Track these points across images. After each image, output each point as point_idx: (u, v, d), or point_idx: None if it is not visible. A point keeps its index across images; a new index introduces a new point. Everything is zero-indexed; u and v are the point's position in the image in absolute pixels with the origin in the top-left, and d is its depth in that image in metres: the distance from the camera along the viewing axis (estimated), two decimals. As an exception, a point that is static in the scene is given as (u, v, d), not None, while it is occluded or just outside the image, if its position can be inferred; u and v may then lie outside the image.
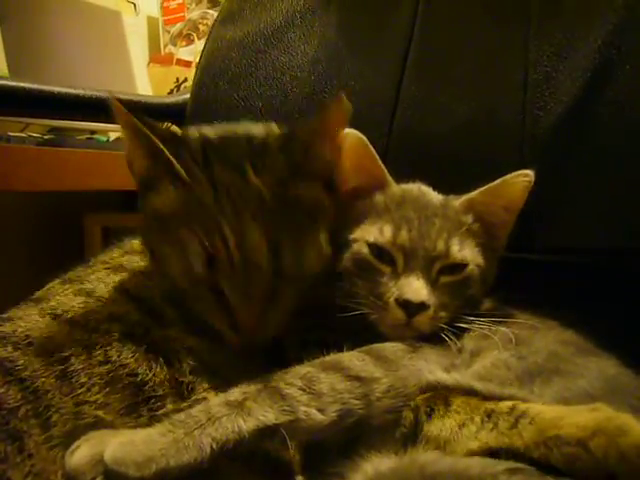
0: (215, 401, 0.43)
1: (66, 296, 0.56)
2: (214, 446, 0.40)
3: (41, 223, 1.61)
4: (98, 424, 0.46)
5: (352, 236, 0.57)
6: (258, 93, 0.93)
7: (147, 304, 0.54)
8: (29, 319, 0.53)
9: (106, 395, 0.47)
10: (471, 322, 0.53)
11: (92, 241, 1.62)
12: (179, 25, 1.84)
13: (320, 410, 0.43)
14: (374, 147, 0.61)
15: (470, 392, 0.44)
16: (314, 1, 0.94)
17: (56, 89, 0.97)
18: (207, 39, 1.03)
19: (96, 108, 0.95)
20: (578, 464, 0.37)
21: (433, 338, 0.52)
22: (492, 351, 0.48)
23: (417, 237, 0.54)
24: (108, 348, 0.49)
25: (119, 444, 0.41)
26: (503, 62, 0.77)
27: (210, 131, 0.59)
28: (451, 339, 0.51)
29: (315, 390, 0.44)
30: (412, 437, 0.44)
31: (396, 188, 0.60)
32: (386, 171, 0.60)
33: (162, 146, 0.51)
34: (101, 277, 0.59)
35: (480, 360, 0.48)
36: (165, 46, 1.87)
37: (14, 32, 1.49)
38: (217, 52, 0.98)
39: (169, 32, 1.86)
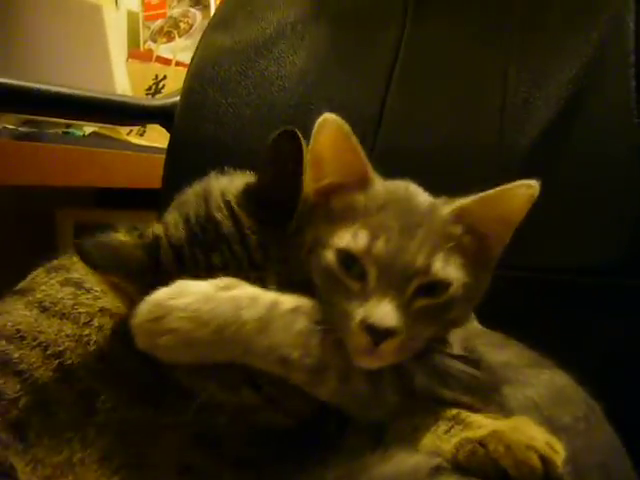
0: None
1: (52, 287, 0.56)
2: None
3: (12, 218, 1.61)
4: (104, 413, 0.49)
5: (320, 238, 0.50)
6: (246, 101, 0.97)
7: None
8: (16, 313, 0.54)
9: (107, 388, 0.50)
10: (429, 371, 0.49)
11: (64, 237, 1.62)
12: (160, 21, 1.86)
13: None
14: None
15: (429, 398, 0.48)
16: (305, 14, 0.99)
17: (34, 85, 0.95)
18: (198, 45, 1.06)
19: (75, 106, 0.97)
20: (475, 459, 0.42)
21: None
22: None
23: (395, 249, 0.47)
24: (102, 344, 0.51)
25: None
26: (483, 86, 0.82)
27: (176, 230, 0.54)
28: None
29: None
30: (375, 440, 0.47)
31: (380, 187, 0.52)
32: (370, 166, 0.53)
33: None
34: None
35: None
36: (145, 42, 1.88)
37: (-9, 23, 1.49)
38: (207, 58, 1.02)
39: (149, 28, 1.87)
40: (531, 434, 0.42)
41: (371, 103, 0.89)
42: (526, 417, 0.45)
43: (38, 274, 0.60)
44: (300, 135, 0.50)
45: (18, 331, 0.53)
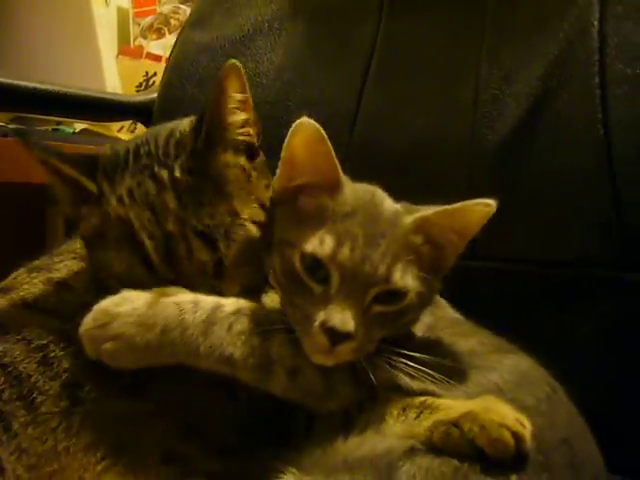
0: None
1: (35, 285, 0.58)
2: None
3: (1, 215, 1.62)
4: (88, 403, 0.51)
5: (286, 238, 0.53)
6: (224, 97, 0.97)
7: None
8: (1, 308, 0.56)
9: (90, 379, 0.52)
10: (394, 364, 0.51)
11: (54, 234, 1.63)
12: (150, 18, 1.86)
13: None
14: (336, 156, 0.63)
15: (394, 389, 0.50)
16: (282, 11, 0.99)
17: (22, 83, 0.98)
18: (176, 40, 1.07)
19: (53, 103, 0.98)
20: (450, 440, 0.44)
21: None
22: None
23: (359, 258, 0.49)
24: None
25: None
26: (457, 82, 0.83)
27: (126, 144, 0.60)
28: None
29: None
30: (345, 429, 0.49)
31: (348, 193, 0.54)
32: (341, 172, 0.54)
33: (74, 172, 0.54)
34: (69, 265, 0.61)
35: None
36: (135, 39, 1.88)
37: (-22, 18, 1.50)
38: (186, 54, 1.02)
39: (139, 24, 1.87)
40: (502, 412, 0.44)
41: (347, 99, 0.90)
42: (492, 397, 0.47)
43: (19, 274, 0.61)
44: (236, 66, 0.54)
45: (3, 325, 0.55)
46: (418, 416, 0.47)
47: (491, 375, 0.52)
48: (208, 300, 0.51)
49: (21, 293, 0.58)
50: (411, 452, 0.44)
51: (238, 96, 0.56)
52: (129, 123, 1.74)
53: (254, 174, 0.59)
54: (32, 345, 0.53)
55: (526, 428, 0.43)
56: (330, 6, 0.96)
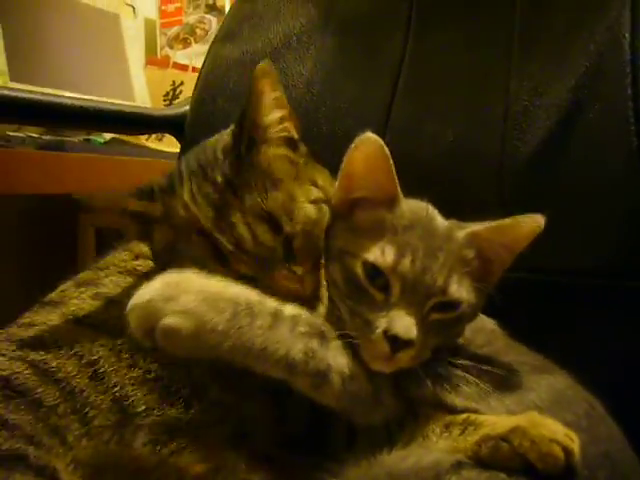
0: None
1: (84, 301, 0.61)
2: None
3: (35, 223, 1.67)
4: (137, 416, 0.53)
5: (346, 248, 0.55)
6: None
7: None
8: (52, 324, 0.58)
9: (139, 392, 0.54)
10: (447, 370, 0.53)
11: (86, 241, 1.68)
12: (176, 28, 1.90)
13: None
14: None
15: (436, 405, 0.51)
16: (310, 25, 1.01)
17: (57, 100, 1.00)
18: (207, 55, 1.09)
19: (85, 118, 1.00)
20: (499, 455, 0.45)
21: None
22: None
23: (420, 269, 0.51)
24: (134, 353, 0.55)
25: None
26: (486, 94, 0.84)
27: (176, 166, 0.64)
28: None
29: None
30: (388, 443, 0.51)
31: (405, 208, 0.56)
32: (399, 189, 0.56)
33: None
34: (116, 280, 0.63)
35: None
36: (162, 49, 1.92)
37: (14, 32, 1.55)
38: (216, 69, 1.05)
39: (166, 35, 1.91)
40: (551, 427, 0.46)
41: (377, 112, 0.91)
42: (536, 412, 0.48)
43: (67, 288, 0.64)
44: (267, 67, 0.60)
45: (55, 341, 0.57)
46: (462, 432, 0.49)
47: (530, 395, 0.53)
48: (270, 300, 0.50)
49: (71, 308, 0.61)
50: (458, 466, 0.45)
51: (272, 94, 0.60)
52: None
53: (301, 161, 0.62)
54: (84, 360, 0.56)
55: (575, 442, 0.44)
56: (358, 20, 0.98)
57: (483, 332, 0.63)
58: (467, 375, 0.52)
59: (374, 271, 0.52)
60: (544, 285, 0.77)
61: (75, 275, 0.67)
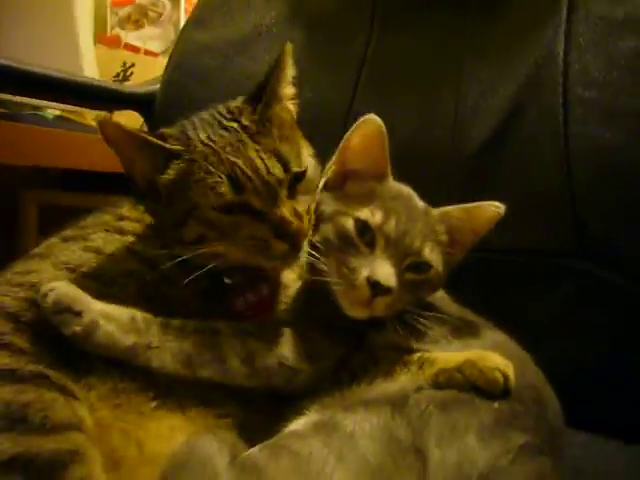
0: None
1: (74, 252, 0.65)
2: None
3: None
4: None
5: (340, 210, 0.64)
6: (223, 94, 1.05)
7: (156, 267, 0.63)
8: (49, 272, 0.62)
9: None
10: (415, 320, 0.62)
11: (28, 219, 1.65)
12: (127, 8, 1.91)
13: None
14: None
15: (393, 348, 0.61)
16: (280, 17, 1.09)
17: (31, 68, 1.01)
18: (177, 40, 1.14)
19: (70, 91, 1.04)
20: (453, 383, 0.56)
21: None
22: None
23: (402, 231, 0.61)
24: (125, 301, 0.60)
25: None
26: (439, 93, 0.95)
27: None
28: (395, 327, 0.61)
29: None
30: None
31: (392, 183, 0.66)
32: (389, 166, 0.66)
33: (166, 144, 0.63)
34: (104, 237, 0.67)
35: None
36: (112, 28, 1.92)
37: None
38: (187, 53, 1.10)
39: (117, 14, 1.91)
40: (494, 359, 0.57)
41: (340, 104, 1.00)
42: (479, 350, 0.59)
43: (52, 243, 0.67)
44: (292, 49, 0.69)
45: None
46: (420, 368, 0.59)
47: (475, 342, 0.64)
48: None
49: (62, 258, 0.64)
50: (420, 389, 0.56)
51: (291, 72, 0.71)
52: (105, 113, 1.79)
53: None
54: None
55: (511, 370, 0.56)
56: (325, 18, 1.07)
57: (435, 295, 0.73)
58: (422, 320, 0.62)
59: (363, 228, 0.61)
60: (492, 263, 0.88)
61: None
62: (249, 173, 0.60)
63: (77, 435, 0.49)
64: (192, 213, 0.62)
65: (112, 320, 0.56)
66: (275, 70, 0.68)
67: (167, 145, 0.63)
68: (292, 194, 0.63)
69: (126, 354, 0.56)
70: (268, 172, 0.61)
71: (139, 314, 0.58)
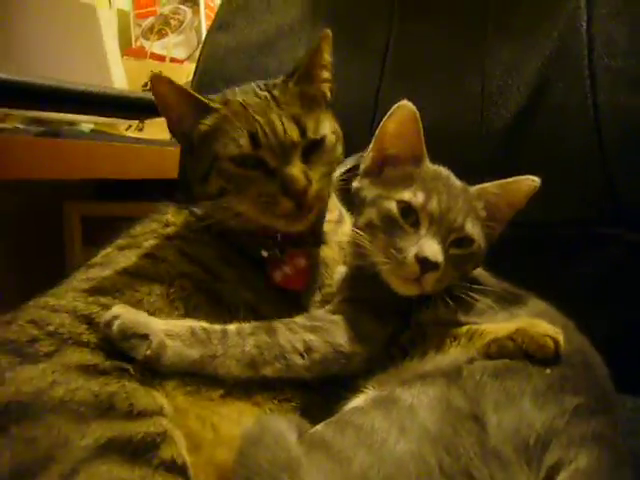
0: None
1: (129, 259, 0.69)
2: None
3: (22, 211, 1.70)
4: None
5: (382, 194, 0.66)
6: (253, 94, 1.10)
7: (206, 266, 0.69)
8: (109, 277, 0.66)
9: None
10: (462, 293, 0.64)
11: (71, 230, 1.72)
12: (150, 19, 1.96)
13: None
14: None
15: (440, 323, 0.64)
16: (301, 15, 1.11)
17: (67, 85, 1.05)
18: (203, 45, 1.18)
19: (86, 101, 1.08)
20: (505, 351, 0.59)
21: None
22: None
23: (445, 208, 0.63)
24: (185, 302, 0.65)
25: None
26: (464, 75, 0.97)
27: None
28: (445, 302, 0.64)
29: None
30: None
31: (429, 165, 0.69)
32: (425, 149, 0.69)
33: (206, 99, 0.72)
34: (155, 244, 0.71)
35: None
36: (136, 39, 1.97)
37: (-11, 23, 1.57)
38: (214, 57, 1.14)
39: (140, 26, 1.97)
40: (543, 326, 0.60)
41: (366, 96, 1.03)
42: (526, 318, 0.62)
43: (108, 252, 0.72)
44: (329, 35, 0.75)
45: (117, 290, 0.65)
46: (470, 340, 0.61)
47: (519, 311, 0.66)
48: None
49: (121, 265, 0.68)
50: (471, 360, 0.58)
51: (327, 58, 0.76)
52: (137, 123, 1.85)
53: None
54: (145, 306, 0.64)
55: (561, 336, 0.58)
56: (345, 10, 1.09)
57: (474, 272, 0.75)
58: (470, 293, 0.64)
59: (407, 209, 0.64)
60: (527, 237, 0.89)
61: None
62: (267, 131, 0.67)
63: (162, 419, 0.54)
64: (213, 164, 0.69)
65: (176, 337, 0.60)
66: (310, 53, 0.75)
67: (208, 101, 0.71)
68: (307, 159, 0.69)
69: (194, 367, 0.59)
70: (285, 133, 0.68)
71: (197, 325, 0.62)
